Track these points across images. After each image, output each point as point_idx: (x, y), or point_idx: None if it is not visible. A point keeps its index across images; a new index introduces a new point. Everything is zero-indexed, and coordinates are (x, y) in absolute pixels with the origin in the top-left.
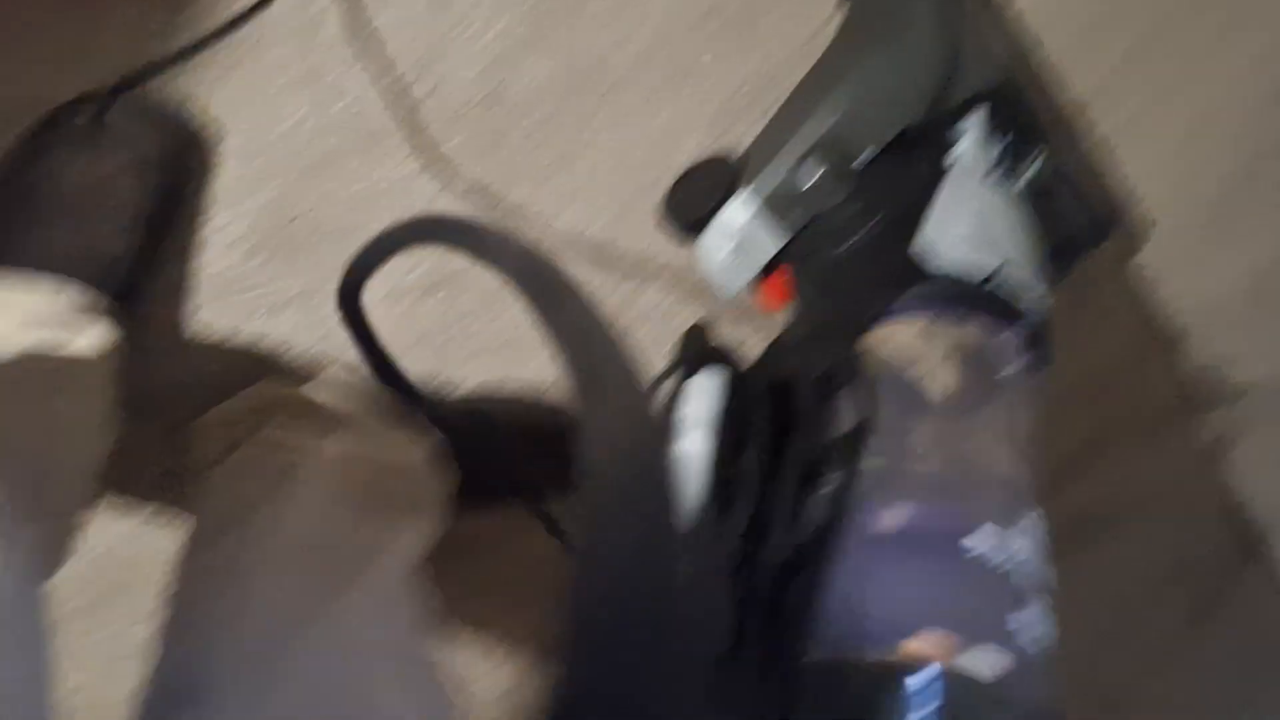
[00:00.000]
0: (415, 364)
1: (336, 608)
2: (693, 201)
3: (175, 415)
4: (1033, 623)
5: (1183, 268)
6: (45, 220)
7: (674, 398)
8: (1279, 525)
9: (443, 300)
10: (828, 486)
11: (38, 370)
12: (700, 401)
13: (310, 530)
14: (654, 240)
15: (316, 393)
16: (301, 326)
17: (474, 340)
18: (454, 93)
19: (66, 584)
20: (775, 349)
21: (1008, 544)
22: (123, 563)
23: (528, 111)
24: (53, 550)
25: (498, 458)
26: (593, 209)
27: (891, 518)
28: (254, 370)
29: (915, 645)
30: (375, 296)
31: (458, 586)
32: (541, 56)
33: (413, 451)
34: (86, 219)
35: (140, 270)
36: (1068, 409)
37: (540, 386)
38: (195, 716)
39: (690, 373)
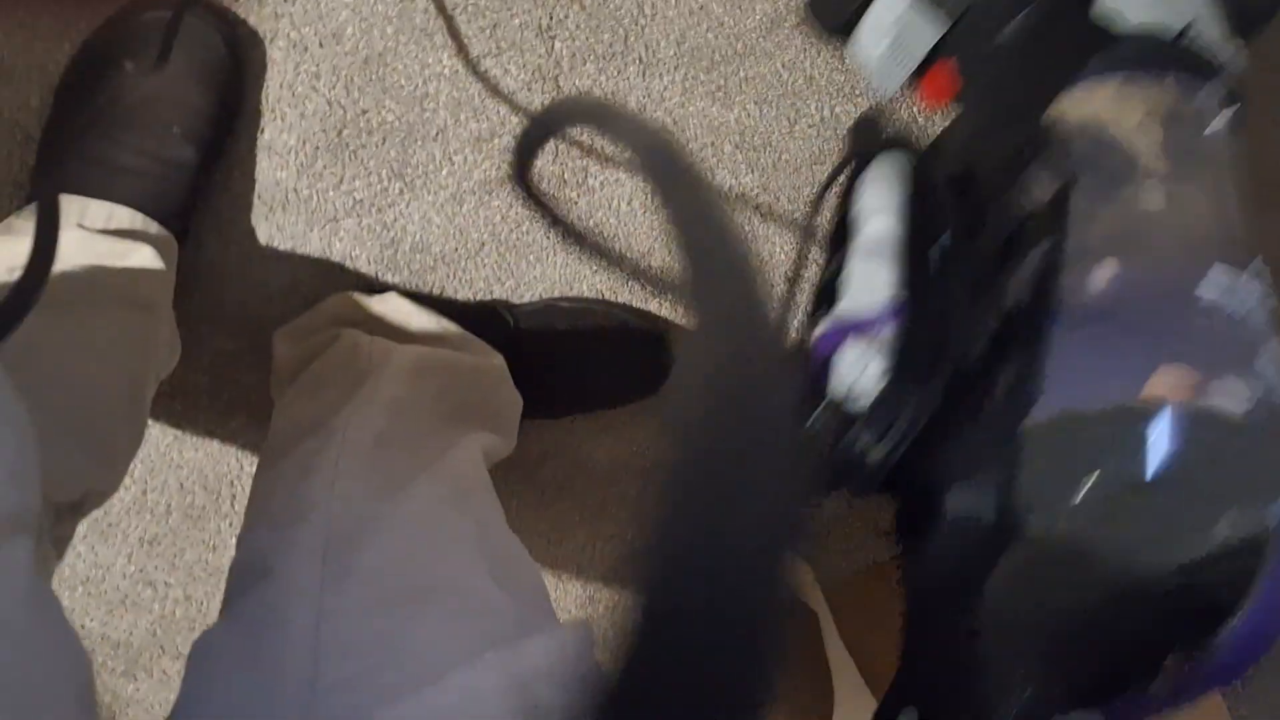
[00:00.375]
0: (482, 265)
1: (404, 495)
2: None
3: (247, 330)
4: (1276, 360)
5: None
6: (111, 126)
7: (849, 192)
8: None
9: (507, 199)
10: (1033, 260)
11: (95, 285)
12: (881, 187)
13: (386, 430)
14: (724, 113)
15: (389, 303)
16: (363, 235)
17: (542, 239)
18: None
19: (158, 504)
20: (949, 139)
21: (1240, 288)
22: (209, 481)
23: None
24: (98, 474)
25: (570, 364)
26: (659, 86)
27: (1111, 282)
28: (320, 282)
29: (1154, 385)
30: (438, 200)
31: (525, 498)
32: None
33: (485, 362)
34: (152, 125)
35: (203, 180)
36: None
37: (609, 284)
38: (265, 588)
39: (863, 165)
